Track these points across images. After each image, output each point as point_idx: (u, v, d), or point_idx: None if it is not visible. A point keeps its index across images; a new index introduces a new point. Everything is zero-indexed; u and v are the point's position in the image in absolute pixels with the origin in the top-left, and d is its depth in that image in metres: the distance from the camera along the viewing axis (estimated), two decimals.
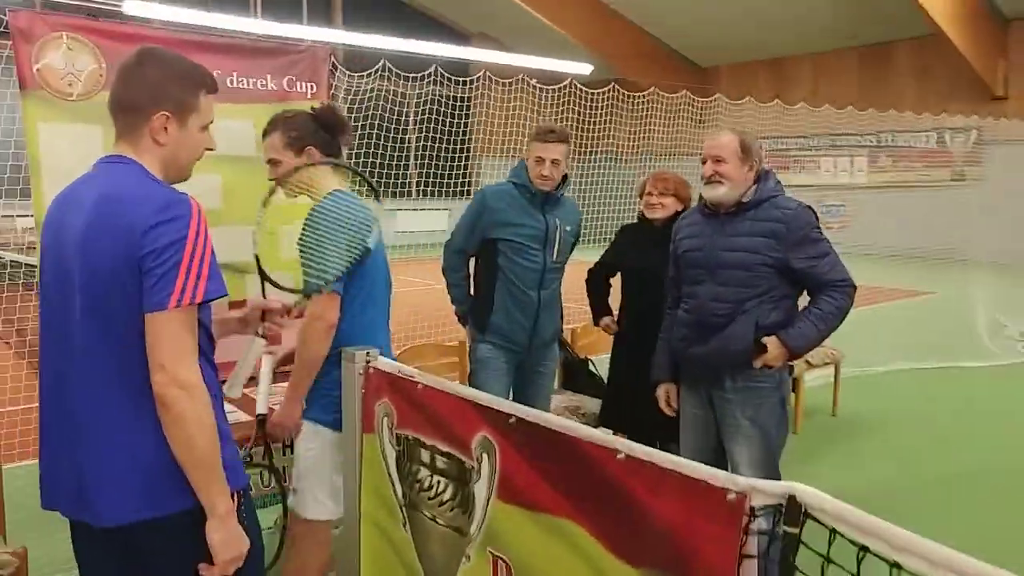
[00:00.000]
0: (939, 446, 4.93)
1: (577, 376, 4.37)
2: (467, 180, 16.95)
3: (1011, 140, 14.53)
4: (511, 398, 3.51)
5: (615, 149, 14.47)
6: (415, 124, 16.40)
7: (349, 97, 16.67)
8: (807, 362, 5.17)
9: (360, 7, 18.63)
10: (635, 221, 3.74)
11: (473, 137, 16.68)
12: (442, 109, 13.33)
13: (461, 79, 12.96)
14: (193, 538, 1.60)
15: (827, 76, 18.60)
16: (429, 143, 14.31)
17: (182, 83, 1.72)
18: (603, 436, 1.39)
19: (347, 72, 8.56)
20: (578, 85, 12.74)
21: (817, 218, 2.80)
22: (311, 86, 3.46)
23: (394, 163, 13.49)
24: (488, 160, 16.54)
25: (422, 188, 15.93)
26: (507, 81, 12.82)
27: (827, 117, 13.99)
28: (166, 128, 1.69)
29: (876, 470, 4.48)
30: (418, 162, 16.49)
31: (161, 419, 1.54)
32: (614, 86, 12.18)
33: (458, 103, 17.05)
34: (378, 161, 13.33)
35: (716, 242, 2.80)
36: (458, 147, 14.05)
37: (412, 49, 12.72)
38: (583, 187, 12.69)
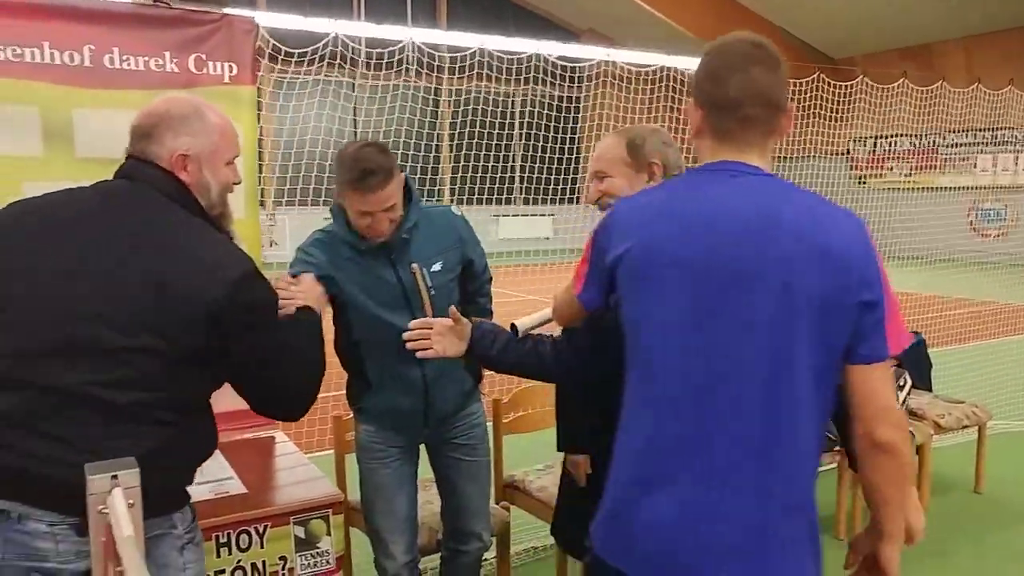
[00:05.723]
0: None
1: None
2: (576, 185, 16.15)
3: None
4: (424, 500, 2.69)
5: None
6: (520, 127, 15.75)
7: (451, 100, 16.21)
8: (936, 424, 3.92)
9: (465, 6, 18.13)
10: None
11: (583, 139, 15.88)
12: (549, 111, 12.59)
13: (570, 78, 12.14)
14: None
15: (983, 63, 16.49)
16: (537, 146, 13.63)
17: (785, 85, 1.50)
18: None
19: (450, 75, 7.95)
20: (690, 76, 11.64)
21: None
22: (229, 67, 2.70)
23: (498, 168, 12.88)
24: None
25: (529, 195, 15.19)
26: (621, 79, 11.91)
27: (988, 104, 12.21)
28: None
29: None
30: (524, 166, 15.85)
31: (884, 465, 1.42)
32: None
33: (567, 103, 16.28)
34: (480, 164, 12.72)
35: None
36: (566, 150, 13.30)
37: (516, 47, 11.95)
38: None
